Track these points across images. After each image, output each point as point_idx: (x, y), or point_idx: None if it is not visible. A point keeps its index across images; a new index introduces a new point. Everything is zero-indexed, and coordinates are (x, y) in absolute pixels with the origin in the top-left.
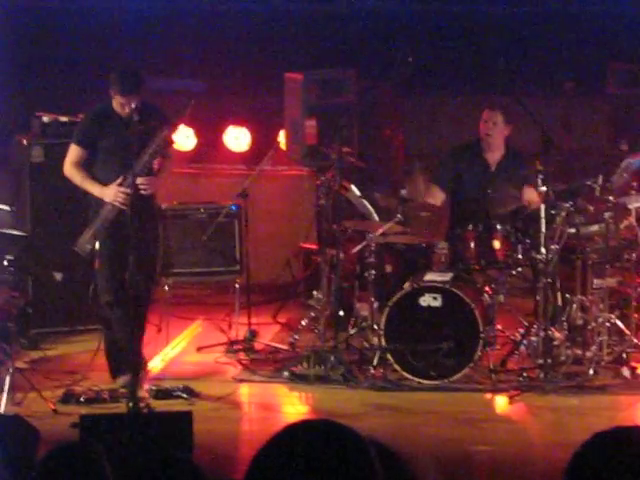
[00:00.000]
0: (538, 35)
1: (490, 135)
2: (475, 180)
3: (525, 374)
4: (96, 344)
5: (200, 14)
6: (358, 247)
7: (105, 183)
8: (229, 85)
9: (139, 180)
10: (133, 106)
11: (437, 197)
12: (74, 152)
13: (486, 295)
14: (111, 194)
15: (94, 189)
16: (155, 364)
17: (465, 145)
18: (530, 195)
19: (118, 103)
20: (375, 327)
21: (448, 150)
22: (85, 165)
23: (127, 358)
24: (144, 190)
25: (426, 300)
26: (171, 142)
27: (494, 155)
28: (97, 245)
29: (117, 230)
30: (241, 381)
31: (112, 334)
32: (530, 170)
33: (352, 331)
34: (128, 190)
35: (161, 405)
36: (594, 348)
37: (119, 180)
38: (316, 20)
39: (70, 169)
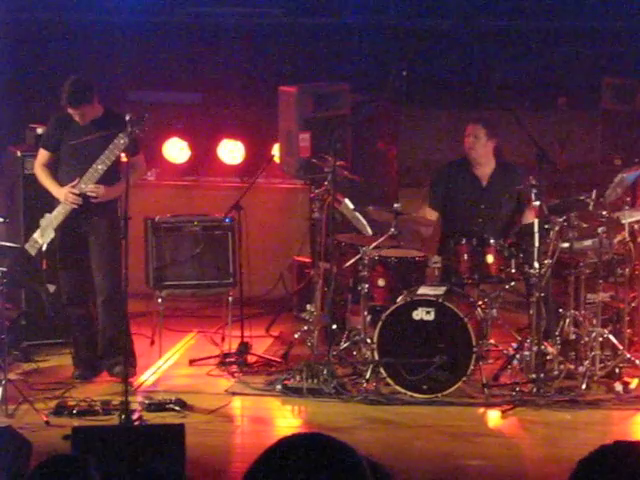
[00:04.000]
0: (532, 50)
1: (473, 149)
2: (467, 196)
3: (518, 388)
4: None
5: (195, 27)
6: (351, 261)
7: (63, 184)
8: (223, 98)
9: (89, 187)
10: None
11: (432, 216)
12: (40, 154)
13: (479, 309)
14: (63, 194)
15: (52, 189)
16: (148, 377)
17: (454, 162)
18: (528, 219)
19: (71, 113)
20: (368, 341)
21: (438, 169)
22: (52, 166)
23: (79, 357)
24: (93, 198)
25: (419, 314)
26: (137, 150)
27: (484, 170)
28: (45, 246)
29: (68, 233)
30: (234, 394)
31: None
32: (525, 189)
33: (345, 344)
34: (77, 191)
35: (153, 418)
36: (587, 363)
37: (74, 182)
38: (311, 33)
39: (36, 169)
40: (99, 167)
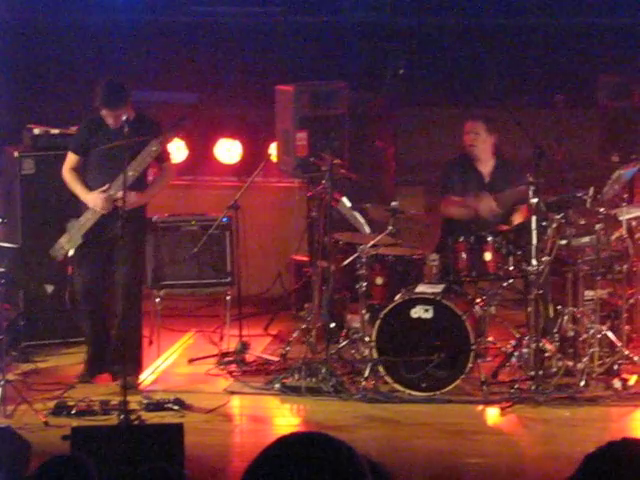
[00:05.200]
0: (528, 47)
1: (474, 146)
2: (470, 192)
3: (516, 386)
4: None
5: (191, 26)
6: (349, 259)
7: (92, 189)
8: (220, 97)
9: (119, 194)
10: (124, 118)
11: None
12: (69, 158)
13: (477, 307)
14: (92, 200)
15: (81, 193)
16: (146, 376)
17: (457, 159)
18: (516, 219)
19: (104, 115)
20: (366, 339)
21: (441, 166)
22: (81, 170)
23: (92, 363)
24: (122, 205)
25: (417, 312)
26: (167, 156)
27: (486, 166)
28: (71, 252)
29: (94, 237)
30: (232, 393)
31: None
32: (522, 185)
33: (343, 343)
34: (107, 197)
35: (152, 417)
36: (585, 360)
37: (104, 187)
38: (307, 32)
39: (65, 173)
40: (130, 174)
